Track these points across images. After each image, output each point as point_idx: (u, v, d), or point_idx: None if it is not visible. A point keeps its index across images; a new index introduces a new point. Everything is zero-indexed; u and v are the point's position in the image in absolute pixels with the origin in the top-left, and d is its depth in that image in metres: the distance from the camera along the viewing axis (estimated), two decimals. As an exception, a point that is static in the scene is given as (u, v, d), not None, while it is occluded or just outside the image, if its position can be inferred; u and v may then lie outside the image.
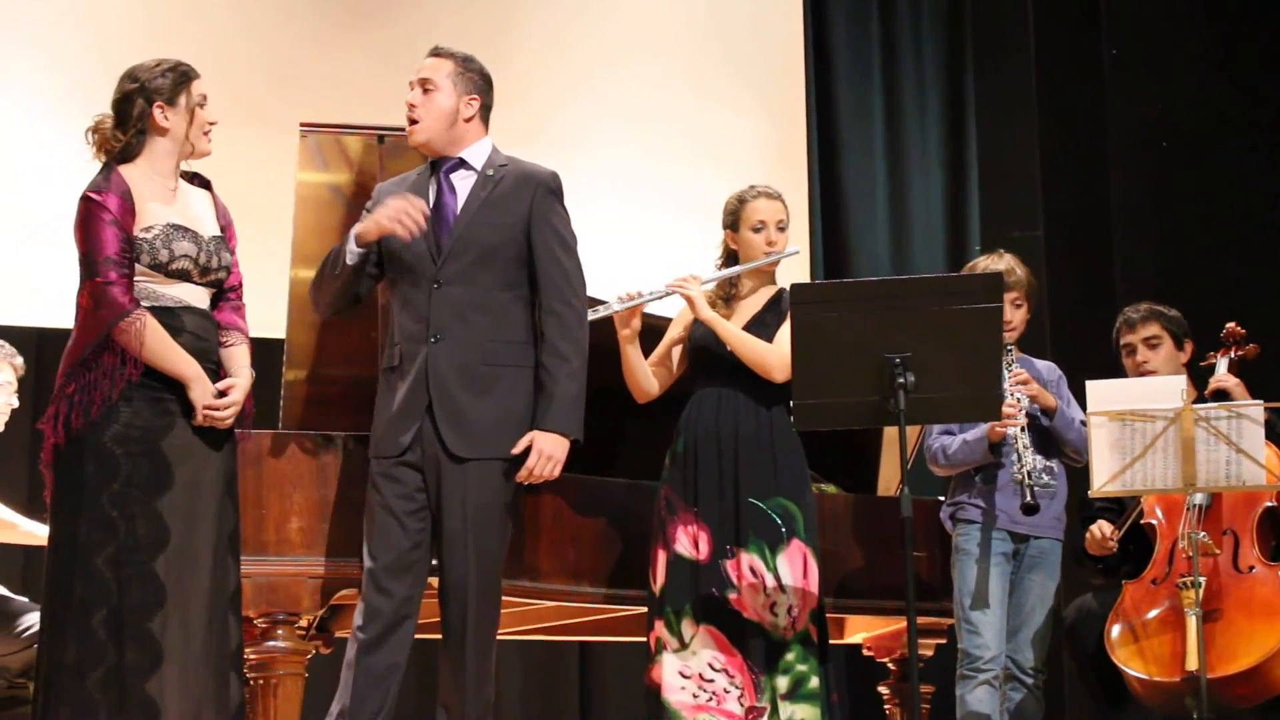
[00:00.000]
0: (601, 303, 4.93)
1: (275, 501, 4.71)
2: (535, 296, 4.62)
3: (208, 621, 4.20)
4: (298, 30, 7.25)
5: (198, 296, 4.31)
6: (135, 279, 4.22)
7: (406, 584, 4.51)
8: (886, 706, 6.00)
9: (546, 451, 4.52)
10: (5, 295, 6.87)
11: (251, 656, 4.77)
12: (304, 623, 4.84)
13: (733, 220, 5.08)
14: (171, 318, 4.25)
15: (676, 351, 5.10)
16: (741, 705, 4.80)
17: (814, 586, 4.85)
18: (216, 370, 4.32)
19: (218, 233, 4.38)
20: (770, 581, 4.82)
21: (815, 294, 4.76)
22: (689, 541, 4.88)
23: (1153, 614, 4.91)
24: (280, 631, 4.73)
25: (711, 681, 4.81)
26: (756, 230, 5.03)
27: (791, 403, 4.62)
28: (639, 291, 4.92)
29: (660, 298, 4.97)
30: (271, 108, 6.87)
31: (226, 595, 4.25)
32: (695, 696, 4.82)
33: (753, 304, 5.04)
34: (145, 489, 4.17)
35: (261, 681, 4.76)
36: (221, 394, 4.27)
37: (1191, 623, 4.70)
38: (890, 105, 8.10)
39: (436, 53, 4.72)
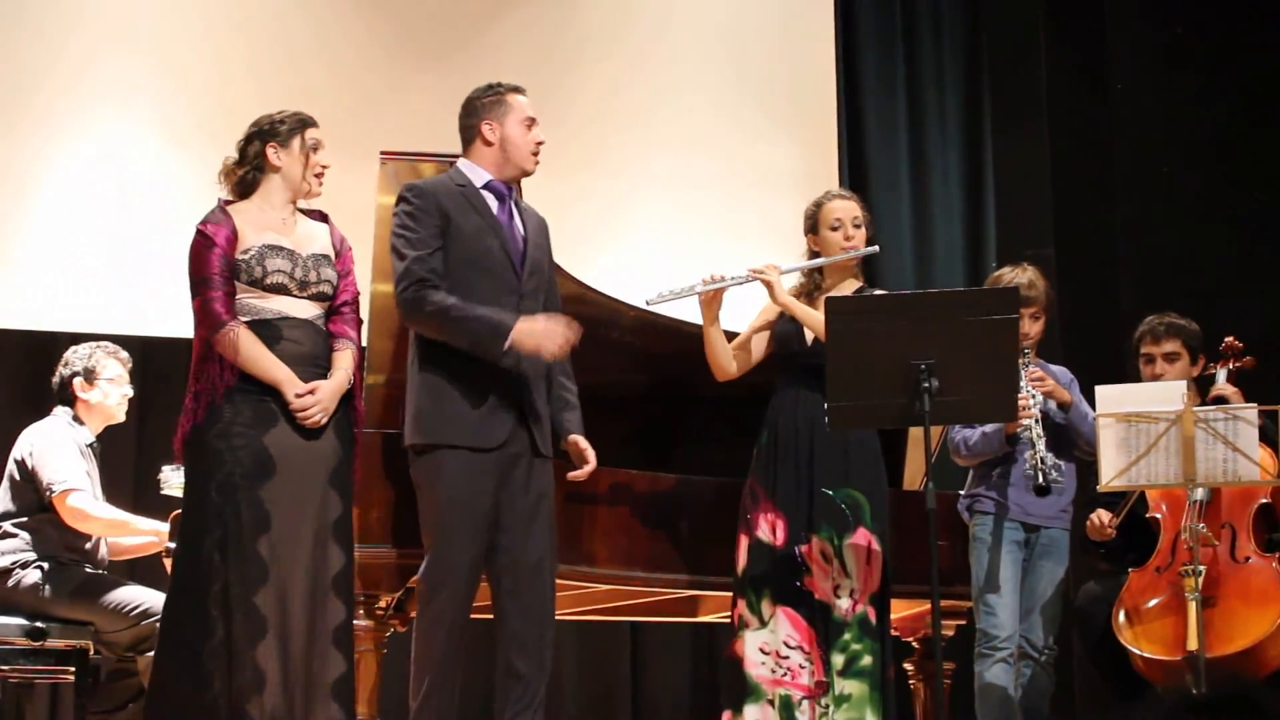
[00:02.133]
0: (686, 286, 4.94)
1: (358, 494, 4.71)
2: None
3: (308, 600, 4.25)
4: (376, 69, 7.30)
5: (300, 308, 4.40)
6: (239, 296, 4.33)
7: (475, 573, 4.56)
8: (911, 682, 5.99)
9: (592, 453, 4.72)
10: (115, 307, 6.92)
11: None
12: (383, 603, 4.87)
13: (812, 224, 5.07)
14: (270, 329, 4.34)
15: (758, 339, 5.09)
16: (813, 679, 4.81)
17: (876, 572, 4.86)
18: (324, 374, 4.40)
19: (325, 252, 4.47)
20: (836, 566, 4.83)
21: (849, 306, 4.76)
22: (769, 528, 4.90)
23: (1157, 599, 4.91)
24: (361, 611, 4.75)
25: (787, 658, 4.82)
26: (834, 228, 5.02)
27: (826, 405, 4.63)
28: (721, 275, 4.92)
29: (741, 283, 4.96)
30: (352, 139, 6.88)
31: (328, 578, 4.30)
32: (774, 671, 4.83)
33: None
34: (248, 478, 4.26)
35: (346, 656, 4.81)
36: (310, 392, 4.33)
37: (1192, 607, 4.70)
38: (914, 135, 8.09)
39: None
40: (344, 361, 4.44)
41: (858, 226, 5.03)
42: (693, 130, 7.64)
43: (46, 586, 5.21)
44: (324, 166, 4.51)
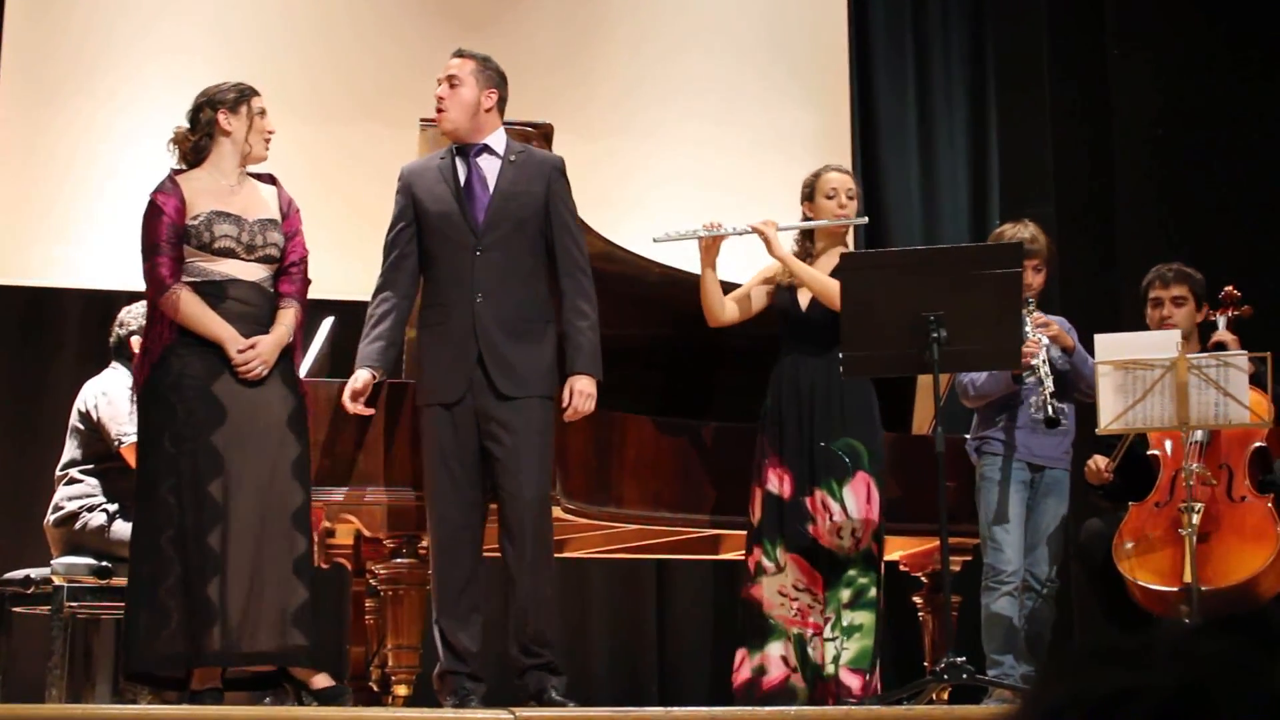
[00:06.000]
0: (689, 230, 4.88)
1: (401, 441, 4.71)
2: (552, 261, 4.61)
3: (267, 536, 4.25)
4: (415, 40, 7.26)
5: (248, 271, 4.38)
6: (190, 260, 4.34)
7: (474, 517, 4.53)
8: (920, 614, 5.97)
9: (586, 391, 4.54)
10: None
11: (381, 571, 4.82)
12: (425, 543, 4.84)
13: (809, 192, 5.02)
14: (217, 289, 4.34)
15: (757, 293, 5.03)
16: (821, 618, 4.82)
17: (876, 512, 4.84)
18: (266, 331, 4.38)
19: (272, 217, 4.44)
20: (838, 511, 4.81)
21: (862, 261, 4.75)
22: (777, 481, 4.87)
23: (1155, 532, 4.87)
24: (405, 550, 4.74)
25: (797, 600, 4.82)
26: (829, 197, 4.96)
27: (841, 354, 4.60)
28: (721, 223, 4.87)
29: (740, 233, 4.90)
30: (393, 107, 6.89)
31: (288, 514, 4.29)
32: (791, 612, 4.83)
33: (826, 263, 4.98)
34: (199, 426, 4.26)
35: (390, 593, 4.78)
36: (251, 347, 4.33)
37: (1188, 542, 4.67)
38: (922, 99, 8.06)
39: (460, 54, 4.70)
40: (286, 318, 4.42)
41: (850, 198, 4.98)
42: (716, 98, 7.59)
43: (111, 528, 5.22)
44: (270, 131, 4.49)
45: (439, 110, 4.65)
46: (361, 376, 4.58)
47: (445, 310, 4.57)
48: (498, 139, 4.68)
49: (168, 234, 4.32)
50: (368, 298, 6.65)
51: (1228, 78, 7.10)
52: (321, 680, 4.31)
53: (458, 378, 4.51)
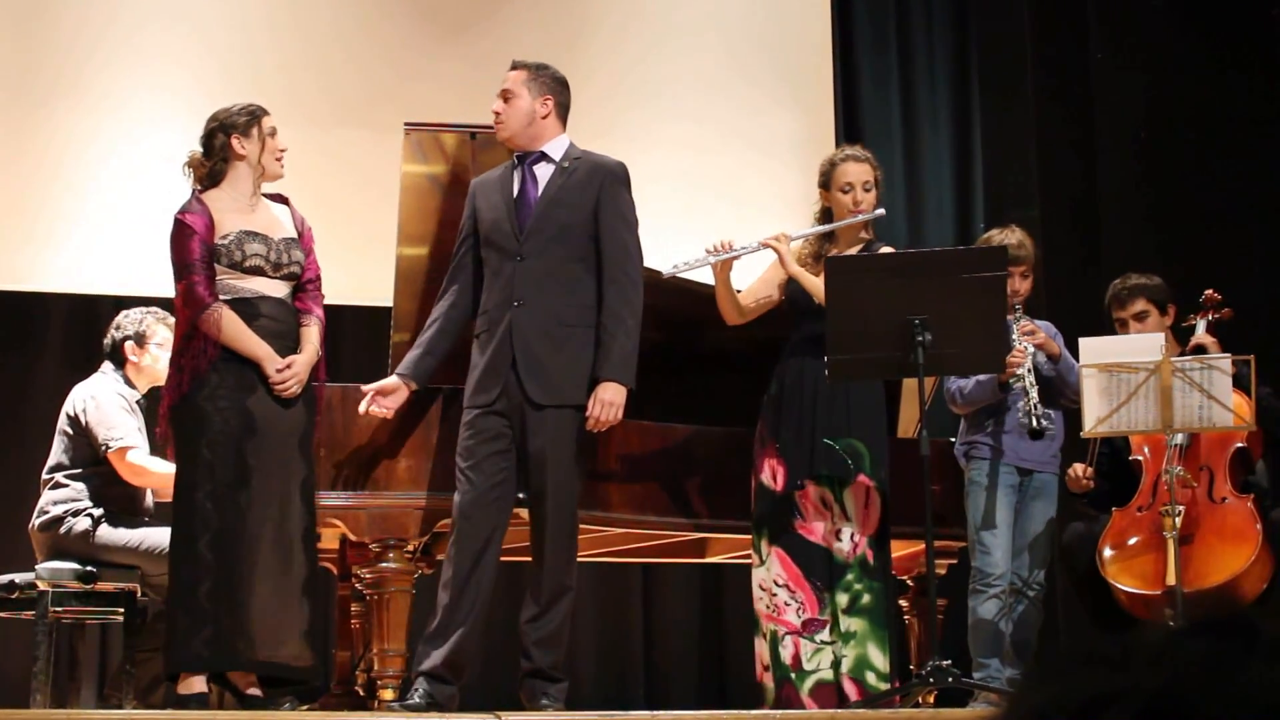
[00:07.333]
0: (698, 257, 4.86)
1: (386, 444, 4.74)
2: (601, 267, 4.60)
3: (275, 551, 4.38)
4: (399, 44, 7.27)
5: (274, 288, 4.51)
6: (219, 278, 4.45)
7: (491, 514, 4.52)
8: (906, 617, 5.99)
9: (607, 399, 4.49)
10: (157, 272, 6.92)
11: (366, 575, 4.85)
12: (411, 547, 4.85)
13: (825, 180, 4.97)
14: (249, 306, 4.47)
15: (766, 291, 5.00)
16: (799, 617, 4.78)
17: (875, 515, 4.80)
18: (294, 348, 4.51)
19: (291, 235, 4.56)
20: (837, 511, 4.80)
21: (848, 265, 4.74)
22: (770, 473, 4.86)
23: (1138, 537, 4.91)
24: (391, 555, 4.76)
25: (775, 595, 4.81)
26: (845, 191, 4.91)
27: (826, 358, 4.60)
28: (732, 243, 4.84)
29: (752, 252, 4.89)
30: (377, 112, 6.90)
31: (291, 532, 4.40)
32: (768, 607, 4.82)
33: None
34: (233, 437, 4.39)
35: (376, 597, 4.81)
36: (288, 367, 4.45)
37: (1170, 545, 4.69)
38: (906, 103, 8.08)
39: (514, 65, 4.73)
40: (312, 336, 4.56)
41: (868, 190, 4.91)
42: (700, 100, 7.61)
43: (96, 533, 5.21)
44: (282, 149, 4.60)
45: (497, 123, 4.68)
46: (388, 380, 4.65)
47: (489, 318, 4.59)
48: (557, 146, 4.68)
49: (201, 252, 4.42)
50: (350, 302, 6.71)
51: (1212, 80, 7.13)
52: (256, 689, 4.42)
53: (493, 382, 4.53)
